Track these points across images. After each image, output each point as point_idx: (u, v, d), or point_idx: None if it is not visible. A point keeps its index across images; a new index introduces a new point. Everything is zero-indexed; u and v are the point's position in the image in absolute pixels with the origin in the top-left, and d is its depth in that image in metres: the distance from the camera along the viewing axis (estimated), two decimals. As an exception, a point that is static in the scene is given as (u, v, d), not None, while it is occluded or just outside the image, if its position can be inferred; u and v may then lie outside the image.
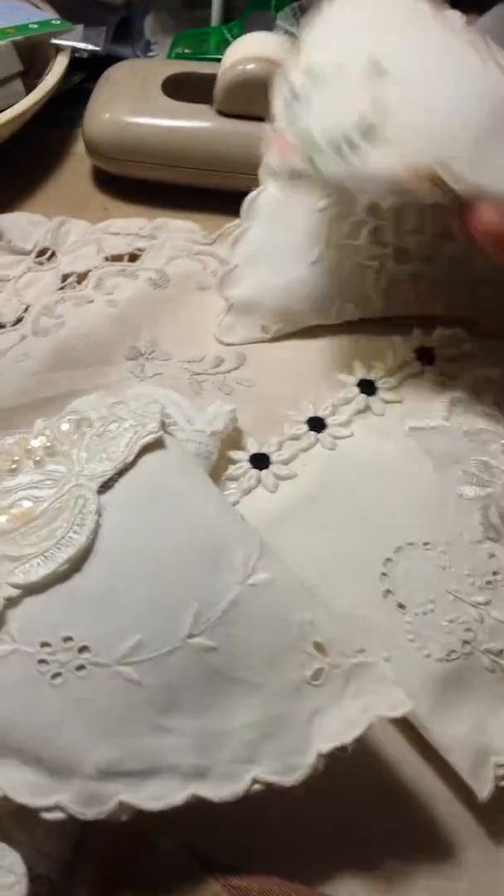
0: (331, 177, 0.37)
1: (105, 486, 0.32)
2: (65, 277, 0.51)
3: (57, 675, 0.29)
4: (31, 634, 0.29)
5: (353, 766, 0.31)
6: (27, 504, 0.32)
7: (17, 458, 0.34)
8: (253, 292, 0.50)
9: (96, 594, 0.30)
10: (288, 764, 0.29)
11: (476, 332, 0.48)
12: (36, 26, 0.61)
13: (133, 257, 0.53)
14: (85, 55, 0.64)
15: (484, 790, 0.33)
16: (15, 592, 0.29)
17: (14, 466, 0.33)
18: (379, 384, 0.46)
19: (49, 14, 0.63)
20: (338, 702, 0.30)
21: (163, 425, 0.34)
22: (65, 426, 0.35)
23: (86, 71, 0.65)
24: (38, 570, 0.30)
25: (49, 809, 0.28)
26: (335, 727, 0.30)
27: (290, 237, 0.49)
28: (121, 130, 0.56)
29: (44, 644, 0.29)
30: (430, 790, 0.35)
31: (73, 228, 0.55)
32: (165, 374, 0.47)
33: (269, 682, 0.30)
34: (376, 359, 0.47)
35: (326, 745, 0.30)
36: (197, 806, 0.29)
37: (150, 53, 0.70)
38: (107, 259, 0.53)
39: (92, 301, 0.50)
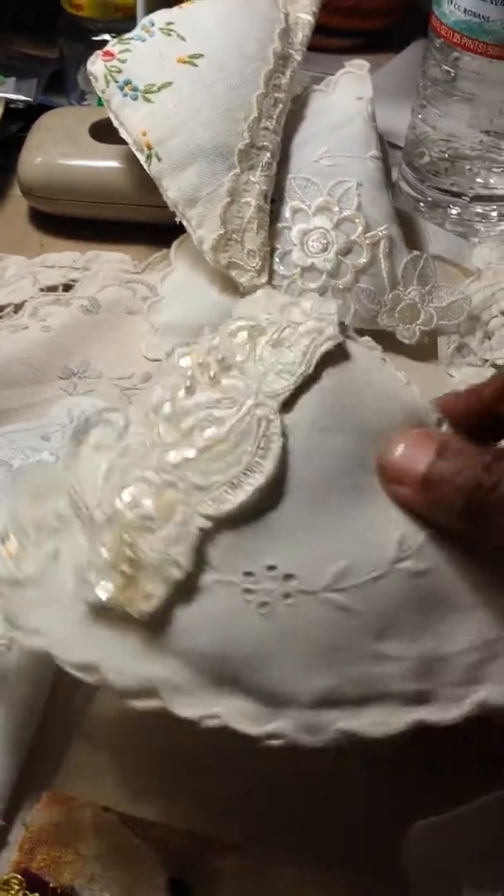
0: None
1: (287, 405, 0.29)
2: (2, 308, 0.55)
3: (264, 603, 0.28)
4: (233, 564, 0.28)
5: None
6: (209, 428, 0.29)
7: (191, 373, 0.31)
8: (177, 316, 0.54)
9: (292, 522, 0.28)
10: (447, 704, 0.28)
11: (385, 338, 0.53)
12: (-30, 81, 0.65)
13: (67, 287, 0.57)
14: (20, 105, 0.68)
15: None
16: (208, 524, 0.28)
17: (189, 384, 0.31)
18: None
19: (-17, 69, 0.68)
20: None
21: (342, 328, 0.31)
22: (237, 337, 0.31)
23: (22, 121, 0.69)
24: (228, 500, 0.28)
25: (268, 737, 0.28)
26: None
27: (210, 268, 0.53)
28: (53, 172, 0.60)
29: (247, 573, 0.28)
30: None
31: (10, 264, 0.59)
32: (97, 390, 0.51)
33: (487, 605, 0.29)
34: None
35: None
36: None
37: (85, 103, 0.75)
38: (42, 290, 0.57)
39: (27, 327, 0.53)
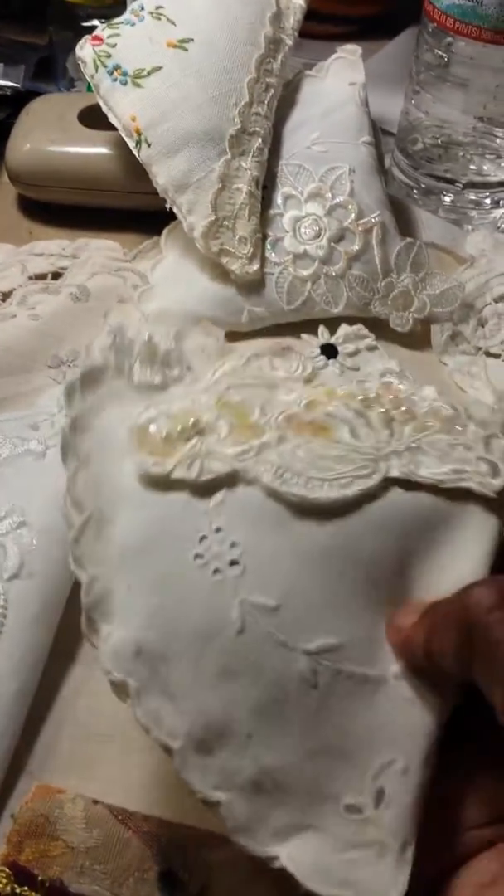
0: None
1: (405, 484, 0.29)
2: (-11, 296, 0.54)
3: (216, 571, 0.27)
4: (214, 520, 0.28)
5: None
6: (344, 434, 0.30)
7: (373, 394, 0.32)
8: (168, 304, 0.53)
9: (290, 551, 0.28)
10: (244, 827, 0.26)
11: (378, 326, 0.52)
12: (-44, 66, 0.64)
13: (56, 275, 0.56)
14: (8, 92, 0.67)
15: None
16: (248, 478, 0.28)
17: (363, 397, 0.32)
18: (286, 378, 0.49)
19: (-30, 55, 0.67)
20: (335, 848, 0.26)
21: None
22: (438, 412, 0.32)
23: (10, 107, 0.69)
24: (286, 485, 0.28)
25: (111, 683, 0.27)
26: (308, 858, 0.26)
27: (201, 256, 0.53)
28: (41, 159, 0.59)
29: (203, 539, 0.28)
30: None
31: (-2, 252, 0.58)
32: (86, 380, 0.50)
33: (310, 765, 0.27)
34: (284, 356, 0.51)
35: (286, 863, 0.26)
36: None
37: (74, 90, 0.74)
38: (31, 278, 0.56)
39: (15, 316, 0.53)
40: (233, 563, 0.28)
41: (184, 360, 0.33)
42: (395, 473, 0.29)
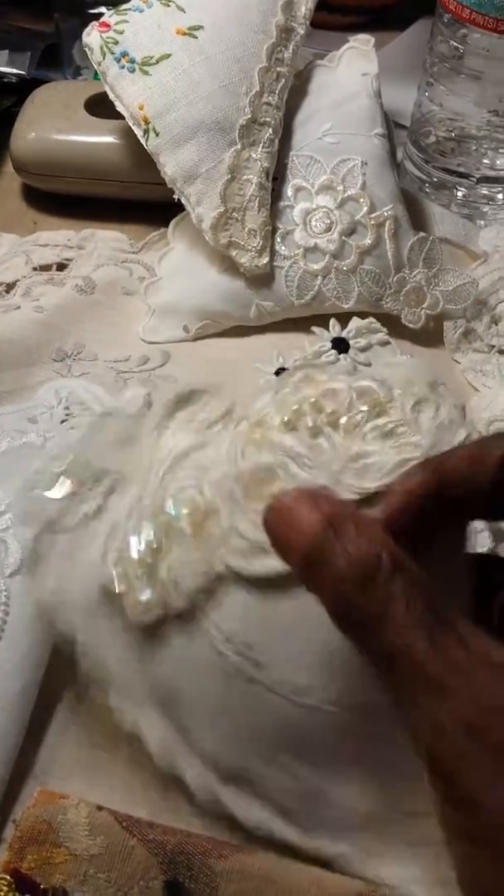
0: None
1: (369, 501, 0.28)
2: (-7, 288, 0.53)
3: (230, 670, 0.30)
4: (222, 624, 0.30)
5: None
6: (291, 470, 0.29)
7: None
8: (175, 297, 0.52)
9: (281, 619, 0.30)
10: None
11: (390, 322, 0.51)
12: (-39, 53, 0.63)
13: (61, 267, 0.55)
14: (14, 80, 0.66)
15: None
16: (229, 573, 0.29)
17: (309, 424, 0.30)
18: (295, 373, 0.48)
19: (-26, 42, 0.65)
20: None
21: None
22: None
23: (16, 95, 0.67)
24: (253, 564, 0.29)
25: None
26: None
27: (209, 248, 0.52)
28: (47, 148, 0.58)
29: (227, 640, 0.30)
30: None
31: (3, 242, 0.57)
32: (92, 373, 0.49)
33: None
34: (295, 350, 0.50)
35: None
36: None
37: (81, 78, 0.73)
38: (35, 269, 0.55)
39: (19, 307, 0.52)
40: (256, 664, 0.30)
41: (106, 477, 0.33)
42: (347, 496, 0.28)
